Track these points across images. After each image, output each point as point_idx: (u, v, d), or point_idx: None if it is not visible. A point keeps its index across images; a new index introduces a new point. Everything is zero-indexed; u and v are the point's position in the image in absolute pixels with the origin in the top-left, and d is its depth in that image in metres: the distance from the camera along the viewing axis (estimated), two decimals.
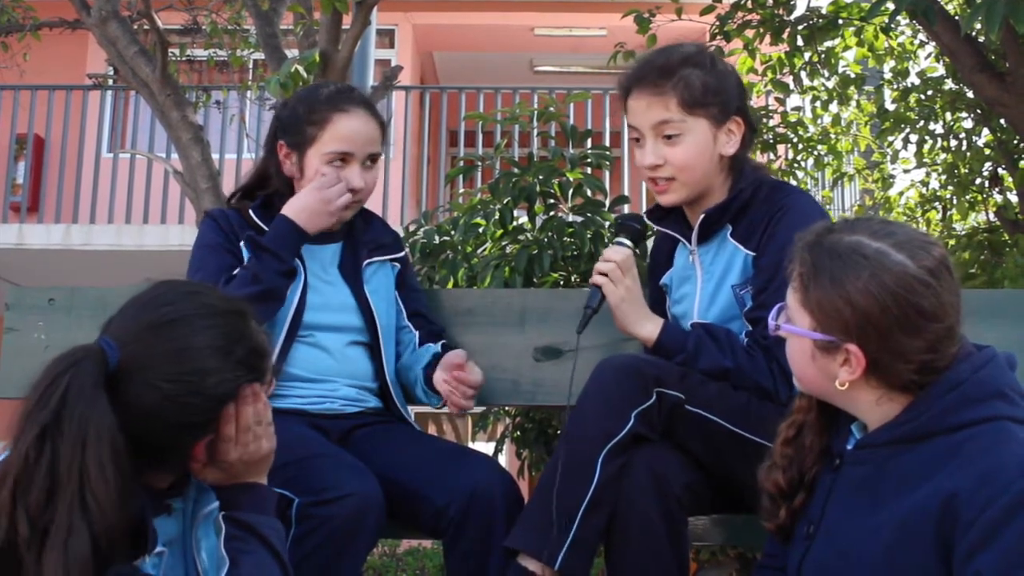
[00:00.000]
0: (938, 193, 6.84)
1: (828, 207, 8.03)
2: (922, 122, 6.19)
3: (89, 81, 8.59)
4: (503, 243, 3.53)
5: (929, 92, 6.11)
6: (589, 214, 3.41)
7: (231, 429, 1.46)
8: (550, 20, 10.34)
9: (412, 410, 2.18)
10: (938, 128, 6.24)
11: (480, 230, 3.67)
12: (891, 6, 3.75)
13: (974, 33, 4.48)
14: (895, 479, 1.37)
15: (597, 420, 1.76)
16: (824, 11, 5.31)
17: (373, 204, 2.22)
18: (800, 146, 6.31)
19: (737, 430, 1.81)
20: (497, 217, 3.50)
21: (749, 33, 5.35)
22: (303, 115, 2.09)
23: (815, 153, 6.49)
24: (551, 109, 3.79)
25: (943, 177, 6.64)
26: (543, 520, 1.74)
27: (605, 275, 1.95)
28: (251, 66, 7.70)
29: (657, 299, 2.13)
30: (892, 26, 5.67)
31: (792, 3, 5.26)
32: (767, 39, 5.28)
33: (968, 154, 6.13)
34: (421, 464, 1.91)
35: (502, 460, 4.86)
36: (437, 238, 3.72)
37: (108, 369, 1.36)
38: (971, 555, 1.24)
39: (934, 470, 1.33)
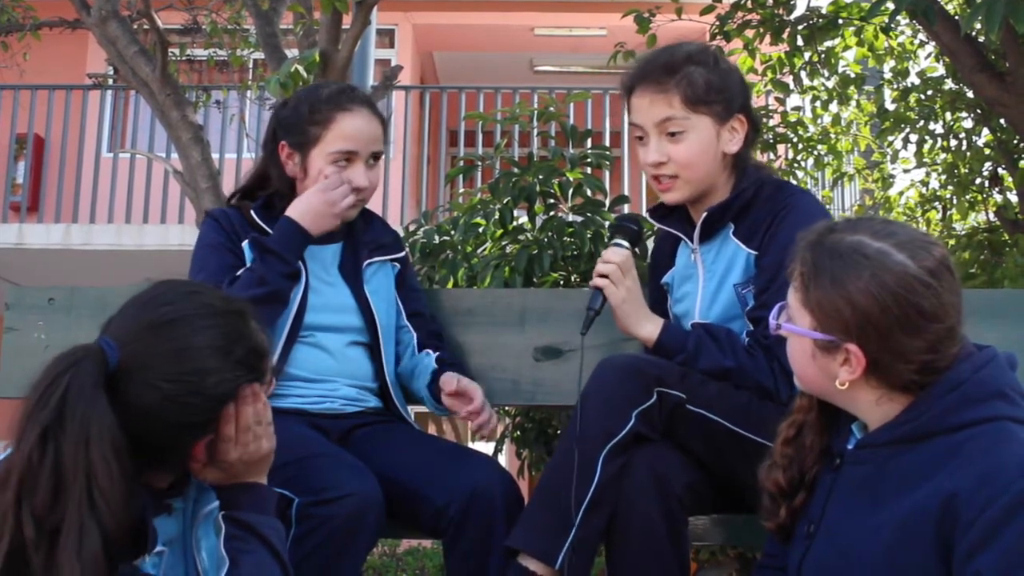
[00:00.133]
0: (938, 193, 6.84)
1: (828, 207, 8.02)
2: (922, 122, 6.19)
3: (89, 81, 8.59)
4: (503, 243, 3.53)
5: (929, 92, 6.11)
6: (589, 214, 3.41)
7: (231, 429, 1.46)
8: (550, 20, 10.34)
9: (412, 410, 2.18)
10: (938, 128, 6.24)
11: (480, 230, 3.67)
12: (891, 6, 3.75)
13: (974, 33, 4.48)
14: (895, 479, 1.37)
15: (598, 419, 1.76)
16: (824, 11, 5.31)
17: (373, 204, 2.22)
18: (800, 146, 6.31)
19: (738, 430, 1.81)
20: (497, 217, 3.50)
21: (749, 33, 5.34)
22: (306, 115, 2.08)
23: (815, 153, 6.49)
24: (551, 109, 3.79)
25: (943, 177, 6.64)
26: (544, 520, 1.74)
27: (605, 277, 1.95)
28: (251, 66, 7.70)
29: (658, 299, 2.13)
30: (892, 26, 5.66)
31: (792, 3, 5.26)
32: (767, 39, 5.28)
33: (968, 154, 6.13)
34: (421, 464, 1.91)
35: (502, 460, 4.86)
36: (437, 238, 3.72)
37: (108, 369, 1.36)
38: (971, 555, 1.24)
39: (934, 470, 1.33)
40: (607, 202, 3.47)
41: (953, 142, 6.23)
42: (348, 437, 2.02)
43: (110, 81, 8.83)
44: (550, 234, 3.38)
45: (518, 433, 4.46)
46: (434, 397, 2.09)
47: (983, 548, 1.23)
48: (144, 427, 1.37)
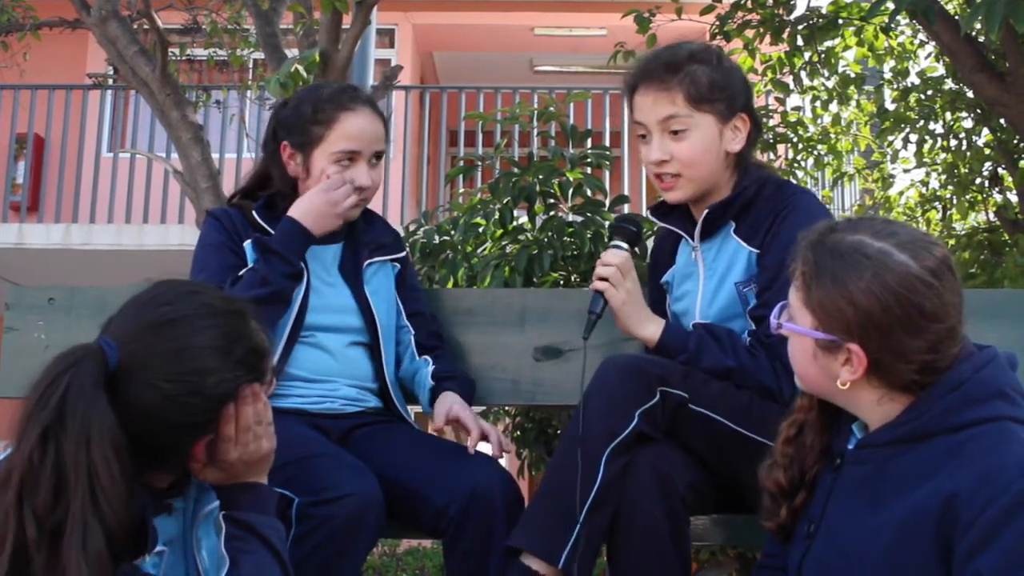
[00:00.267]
0: (938, 193, 6.84)
1: (828, 207, 8.01)
2: (922, 122, 6.19)
3: (89, 81, 8.59)
4: (503, 243, 3.53)
5: (929, 92, 6.10)
6: (589, 214, 3.41)
7: (231, 429, 1.46)
8: (550, 20, 10.34)
9: (412, 410, 2.18)
10: (938, 128, 6.24)
11: (480, 230, 3.67)
12: (891, 6, 3.75)
13: (974, 33, 4.48)
14: (896, 479, 1.37)
15: (601, 419, 1.75)
16: (824, 11, 5.31)
17: (373, 204, 2.22)
18: (800, 146, 6.30)
19: (740, 429, 1.81)
20: (497, 217, 3.50)
21: (749, 33, 5.34)
22: (308, 115, 2.08)
23: (815, 153, 6.49)
24: (551, 109, 3.79)
25: (943, 177, 6.64)
26: (546, 519, 1.74)
27: (605, 280, 1.95)
28: (251, 66, 7.70)
29: (657, 298, 2.13)
30: (892, 26, 5.66)
31: (792, 3, 5.26)
32: (767, 39, 5.28)
33: (968, 154, 6.13)
34: (421, 464, 1.91)
35: (502, 460, 4.84)
36: (437, 238, 3.72)
37: (108, 369, 1.36)
38: (971, 555, 1.24)
39: (934, 470, 1.33)
40: (607, 202, 3.47)
41: (953, 142, 6.23)
42: (348, 437, 2.02)
43: (110, 81, 8.83)
44: (550, 234, 3.38)
45: (518, 433, 4.46)
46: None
47: (983, 548, 1.23)
48: (144, 427, 1.37)
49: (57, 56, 8.66)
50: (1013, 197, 6.02)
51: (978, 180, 6.25)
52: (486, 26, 10.38)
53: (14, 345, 2.31)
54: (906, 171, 7.11)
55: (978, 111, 5.77)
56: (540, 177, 3.39)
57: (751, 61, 5.52)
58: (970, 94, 5.46)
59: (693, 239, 2.02)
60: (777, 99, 5.98)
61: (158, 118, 5.46)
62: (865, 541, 1.37)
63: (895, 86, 6.41)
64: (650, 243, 2.27)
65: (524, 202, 3.44)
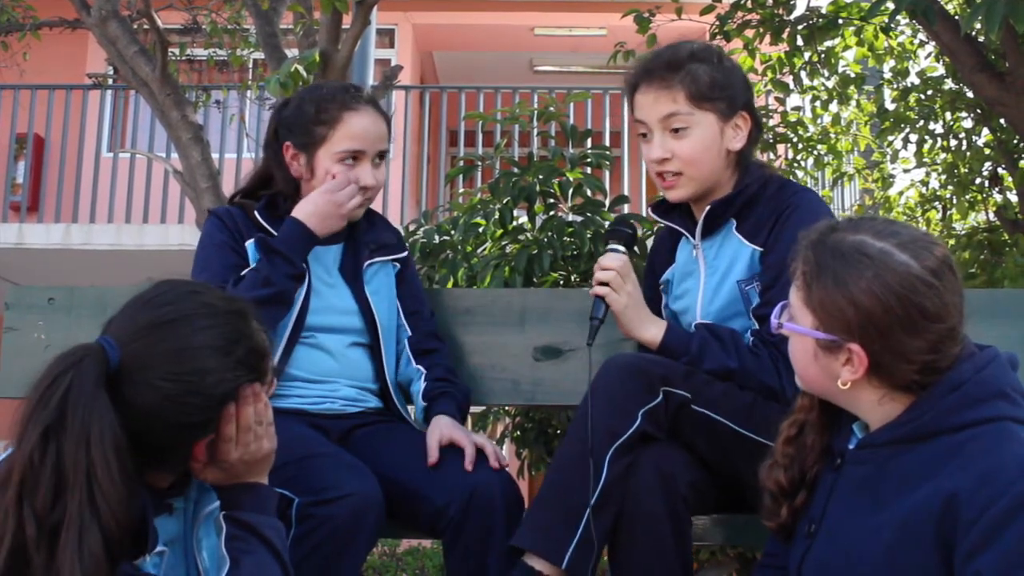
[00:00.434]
0: (938, 193, 6.84)
1: (828, 207, 8.01)
2: (922, 122, 6.18)
3: (89, 81, 8.59)
4: (503, 243, 3.53)
5: (929, 92, 6.10)
6: (589, 214, 3.40)
7: (231, 429, 1.46)
8: (550, 20, 10.34)
9: (413, 409, 2.18)
10: (938, 128, 6.24)
11: (480, 230, 3.66)
12: (891, 6, 3.74)
13: (974, 33, 4.48)
14: (896, 479, 1.37)
15: (603, 419, 1.75)
16: (824, 11, 5.30)
17: (373, 204, 2.22)
18: (800, 146, 6.30)
19: (741, 430, 1.81)
20: (497, 217, 3.50)
21: (749, 33, 5.34)
22: (311, 115, 2.08)
23: (815, 153, 6.48)
24: (551, 109, 3.79)
25: (943, 177, 6.63)
26: (549, 519, 1.74)
27: (605, 284, 1.95)
28: (251, 66, 7.70)
29: (653, 298, 2.12)
30: (892, 26, 5.66)
31: (792, 3, 5.25)
32: (767, 39, 5.28)
33: (968, 154, 6.12)
34: (421, 464, 1.91)
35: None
36: (437, 238, 3.72)
37: (109, 368, 1.37)
38: (971, 555, 1.24)
39: (935, 470, 1.33)
40: (607, 202, 3.47)
41: (953, 142, 6.23)
42: (348, 437, 2.02)
43: (110, 81, 8.83)
44: (550, 234, 3.37)
45: (518, 433, 4.46)
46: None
47: (983, 548, 1.24)
48: (144, 427, 1.37)
49: (57, 56, 8.66)
50: (1013, 197, 6.02)
51: (978, 180, 6.24)
52: (486, 26, 10.38)
53: (14, 345, 2.31)
54: (906, 171, 7.11)
55: (978, 111, 5.77)
56: (540, 177, 3.38)
57: (751, 61, 5.52)
58: (970, 94, 5.45)
59: (694, 237, 2.02)
60: (777, 99, 5.98)
61: (158, 118, 5.46)
62: (865, 541, 1.37)
63: (895, 86, 6.41)
64: (650, 243, 2.27)
65: (524, 202, 3.44)
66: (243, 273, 1.99)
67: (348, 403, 2.06)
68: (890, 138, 6.42)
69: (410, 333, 2.17)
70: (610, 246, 2.00)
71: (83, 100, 8.40)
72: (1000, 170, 6.11)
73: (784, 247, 1.82)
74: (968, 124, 6.17)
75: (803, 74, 5.83)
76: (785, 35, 5.18)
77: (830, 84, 6.08)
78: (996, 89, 4.30)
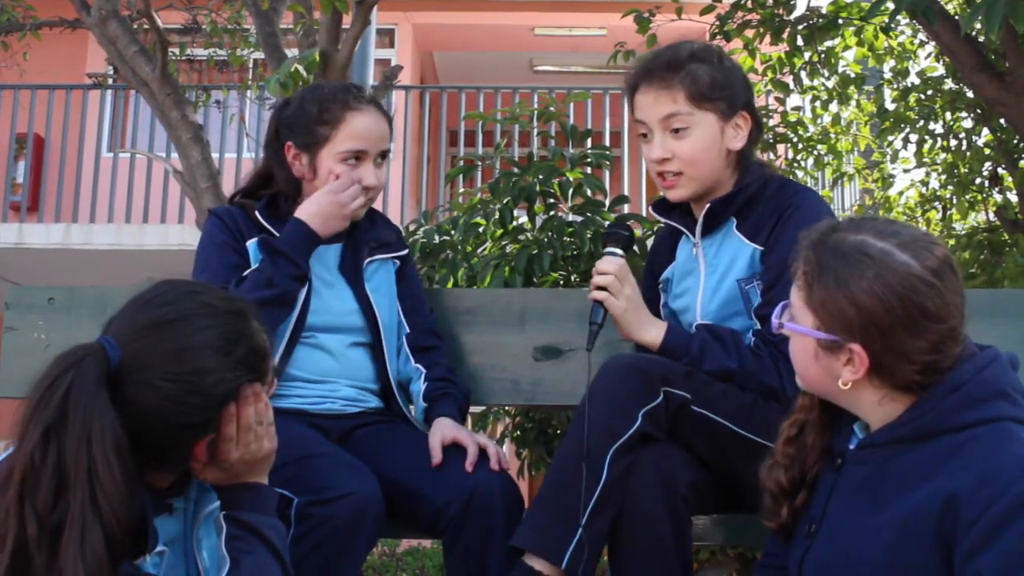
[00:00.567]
0: (938, 193, 6.84)
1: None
2: (922, 122, 6.18)
3: (89, 80, 8.58)
4: (503, 243, 3.53)
5: (929, 92, 6.10)
6: (589, 214, 3.40)
7: (232, 429, 1.46)
8: (550, 20, 10.34)
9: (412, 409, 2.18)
10: (938, 128, 6.23)
11: (480, 230, 3.66)
12: (891, 6, 3.74)
13: (974, 33, 4.48)
14: (896, 479, 1.37)
15: (603, 419, 1.75)
16: (824, 11, 5.30)
17: (373, 203, 2.22)
18: (800, 146, 6.30)
19: (741, 431, 1.81)
20: (497, 217, 3.49)
21: (749, 33, 5.34)
22: (314, 115, 2.08)
23: (815, 153, 6.48)
24: (551, 109, 3.78)
25: (943, 177, 6.63)
26: (549, 519, 1.74)
27: (604, 289, 1.95)
28: (251, 65, 7.70)
29: (652, 298, 2.12)
30: (892, 26, 5.65)
31: (792, 3, 5.25)
32: (767, 39, 5.28)
33: (968, 154, 6.12)
34: (421, 464, 1.91)
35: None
36: (437, 238, 3.71)
37: (109, 368, 1.37)
38: (971, 555, 1.24)
39: (935, 470, 1.33)
40: (607, 202, 3.47)
41: (953, 142, 6.23)
42: (348, 437, 2.02)
43: (110, 81, 8.83)
44: (550, 234, 3.37)
45: (518, 433, 4.46)
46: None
47: (984, 548, 1.24)
48: (145, 426, 1.37)
49: (57, 56, 8.66)
50: (1013, 197, 6.02)
51: (978, 180, 6.24)
52: (486, 26, 10.38)
53: (14, 345, 2.31)
54: (906, 171, 7.11)
55: (978, 111, 5.76)
56: (540, 177, 3.38)
57: (751, 61, 5.52)
58: (970, 94, 5.45)
59: (694, 236, 2.02)
60: (777, 99, 5.98)
61: (158, 118, 5.46)
62: (866, 541, 1.37)
63: (895, 86, 6.40)
64: (650, 242, 2.27)
65: (524, 202, 3.44)
66: (245, 274, 1.98)
67: (348, 403, 2.06)
68: (890, 138, 6.42)
69: (408, 330, 2.17)
70: (607, 250, 2.00)
71: (83, 100, 8.40)
72: (1000, 170, 6.11)
73: (785, 247, 1.82)
74: (968, 124, 6.17)
75: (803, 74, 5.83)
76: (785, 35, 5.18)
77: (830, 84, 6.08)
78: (996, 89, 4.30)
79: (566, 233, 3.39)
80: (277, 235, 2.05)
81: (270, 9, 5.20)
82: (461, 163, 5.21)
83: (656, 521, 1.73)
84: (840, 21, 5.30)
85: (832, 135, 6.50)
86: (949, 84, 6.00)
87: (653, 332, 1.94)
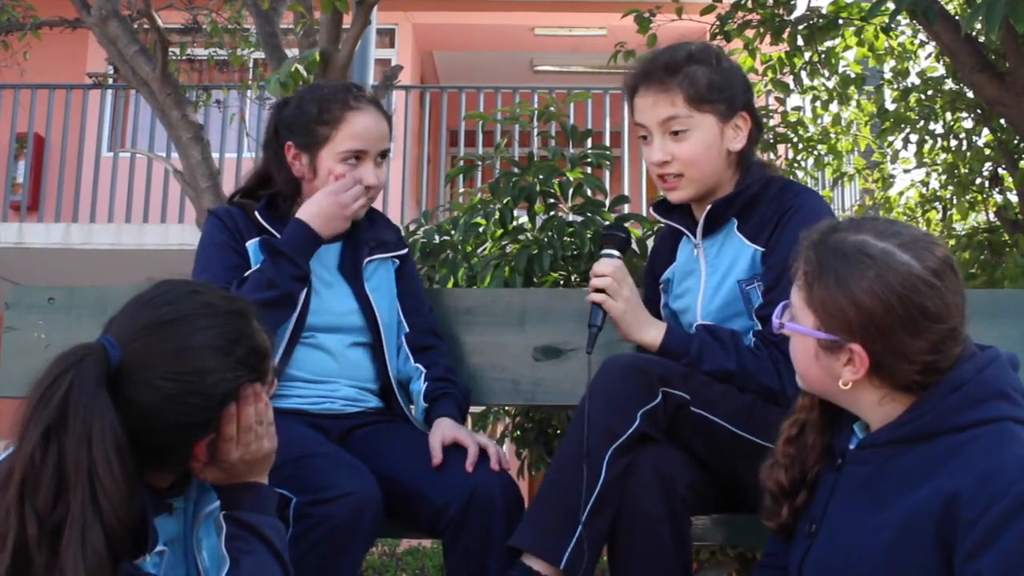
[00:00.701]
0: (938, 193, 6.83)
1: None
2: (922, 122, 6.18)
3: (89, 80, 8.59)
4: (503, 243, 3.53)
5: (929, 92, 6.10)
6: (589, 214, 3.40)
7: (232, 429, 1.46)
8: (550, 20, 10.34)
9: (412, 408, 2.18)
10: (938, 128, 6.23)
11: (480, 230, 3.66)
12: (891, 6, 3.74)
13: (974, 33, 4.47)
14: (896, 479, 1.37)
15: (602, 419, 1.75)
16: (824, 11, 5.30)
17: (373, 203, 2.22)
18: (800, 146, 6.30)
19: (740, 432, 1.80)
20: (497, 217, 3.50)
21: (749, 33, 5.34)
22: (314, 115, 2.08)
23: (815, 153, 6.48)
24: (551, 109, 3.79)
25: (943, 177, 6.63)
26: (548, 519, 1.74)
27: (602, 291, 1.95)
28: (251, 65, 7.70)
29: (653, 298, 2.12)
30: (892, 26, 5.65)
31: (792, 3, 5.25)
32: (767, 39, 5.28)
33: (968, 154, 6.12)
34: (421, 463, 1.91)
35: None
36: (437, 238, 3.71)
37: (110, 368, 1.37)
38: (972, 556, 1.24)
39: (935, 470, 1.33)
40: (607, 202, 3.47)
41: (953, 142, 6.23)
42: (348, 437, 2.02)
43: (110, 80, 8.83)
44: (550, 234, 3.37)
45: (518, 433, 4.46)
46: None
47: (984, 549, 1.24)
48: (145, 426, 1.37)
49: (57, 56, 8.66)
50: (1013, 197, 6.02)
51: (978, 180, 6.24)
52: (486, 26, 10.38)
53: (14, 345, 2.31)
54: (906, 171, 7.11)
55: (978, 111, 5.76)
56: (540, 177, 3.38)
57: (751, 61, 5.52)
58: (970, 94, 5.45)
59: (695, 236, 2.02)
60: (777, 99, 5.98)
61: (158, 118, 5.46)
62: (866, 541, 1.37)
63: (895, 86, 6.41)
64: (650, 242, 2.27)
65: (524, 202, 3.44)
66: (246, 275, 1.98)
67: (348, 403, 2.06)
68: (890, 138, 6.42)
69: (408, 330, 2.17)
70: (604, 251, 2.00)
71: (83, 100, 8.40)
72: (1000, 170, 6.11)
73: (786, 248, 1.81)
74: (968, 124, 6.17)
75: (803, 74, 5.83)
76: (785, 35, 5.19)
77: (830, 84, 6.08)
78: (996, 89, 4.30)
79: (566, 233, 3.39)
80: (277, 235, 2.05)
81: (270, 9, 5.20)
82: (461, 163, 5.21)
83: (655, 521, 1.73)
84: (840, 21, 5.31)
85: (832, 135, 6.50)
86: (949, 84, 6.00)
87: (652, 333, 1.94)
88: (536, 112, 3.87)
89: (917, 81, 6.22)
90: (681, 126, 1.94)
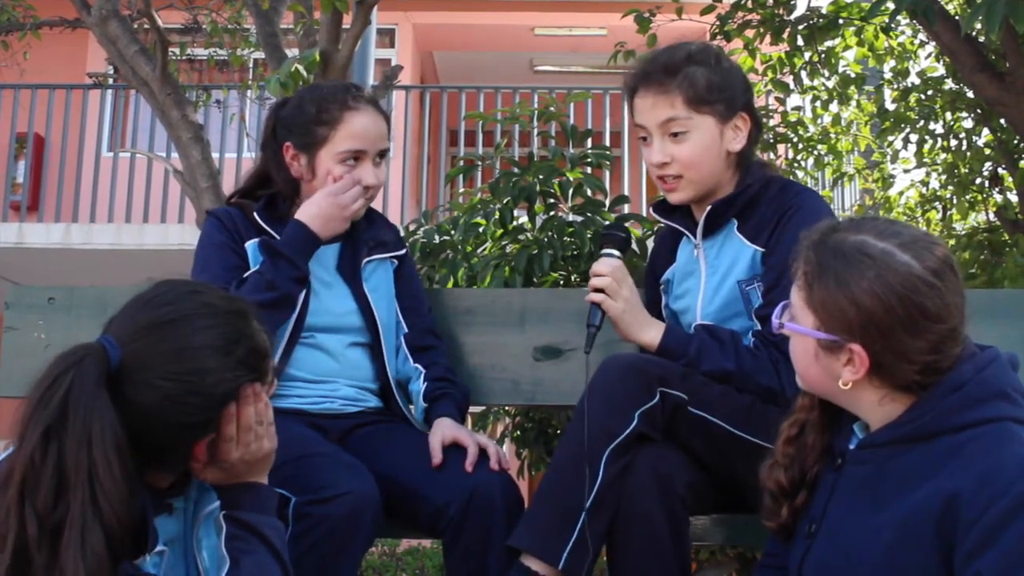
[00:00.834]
0: (938, 193, 6.84)
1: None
2: (922, 122, 6.18)
3: (89, 80, 8.59)
4: (503, 243, 3.53)
5: (929, 92, 6.10)
6: (589, 214, 3.40)
7: (232, 429, 1.46)
8: (550, 20, 10.34)
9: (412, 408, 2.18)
10: (938, 128, 6.24)
11: (480, 230, 3.66)
12: (891, 6, 3.74)
13: (974, 33, 4.48)
14: (896, 479, 1.37)
15: (600, 419, 1.75)
16: (824, 11, 5.30)
17: (373, 203, 2.22)
18: (800, 146, 6.30)
19: (738, 432, 1.80)
20: (497, 217, 3.49)
21: (749, 33, 5.34)
22: (312, 115, 2.08)
23: (815, 153, 6.48)
24: (551, 109, 3.79)
25: (943, 177, 6.64)
26: (546, 520, 1.74)
27: (601, 291, 1.95)
28: (251, 65, 7.70)
29: (654, 299, 2.12)
30: (892, 26, 5.66)
31: (792, 3, 5.26)
32: (767, 39, 5.28)
33: (968, 154, 6.12)
34: (421, 463, 1.91)
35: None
36: (437, 238, 3.71)
37: (110, 368, 1.37)
38: (972, 555, 1.24)
39: (935, 470, 1.33)
40: (607, 202, 3.47)
41: (953, 142, 6.23)
42: (348, 437, 2.02)
43: (110, 80, 8.83)
44: (550, 234, 3.37)
45: (518, 433, 4.46)
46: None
47: (984, 549, 1.24)
48: (145, 426, 1.37)
49: (57, 56, 8.66)
50: (1013, 197, 6.02)
51: (978, 180, 6.24)
52: (486, 26, 10.38)
53: (14, 345, 2.31)
54: (906, 171, 7.11)
55: (978, 111, 5.77)
56: (540, 177, 3.38)
57: (751, 61, 5.52)
58: (970, 94, 5.45)
59: (695, 237, 2.02)
60: (777, 99, 5.98)
61: (158, 118, 5.46)
62: (866, 541, 1.37)
63: (895, 86, 6.41)
64: (650, 243, 2.27)
65: (524, 202, 3.44)
66: (246, 276, 1.98)
67: (348, 403, 2.06)
68: (890, 138, 6.42)
69: (407, 330, 2.17)
70: (604, 251, 2.00)
71: (83, 100, 8.40)
72: (1000, 170, 6.12)
73: (786, 248, 1.81)
74: (968, 124, 6.17)
75: (803, 74, 5.83)
76: (785, 35, 5.19)
77: (830, 84, 6.08)
78: (996, 89, 4.30)
79: (566, 233, 3.39)
80: (276, 236, 2.05)
81: (270, 9, 5.20)
82: (461, 163, 5.21)
83: (653, 521, 1.73)
84: (840, 21, 5.31)
85: (832, 135, 6.50)
86: (949, 84, 6.00)
87: (652, 333, 1.94)
88: (536, 112, 3.87)
89: (917, 81, 6.23)
90: (680, 128, 1.94)
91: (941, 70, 6.14)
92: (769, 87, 5.83)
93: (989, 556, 1.23)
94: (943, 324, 1.37)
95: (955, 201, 6.39)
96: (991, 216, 6.30)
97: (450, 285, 3.42)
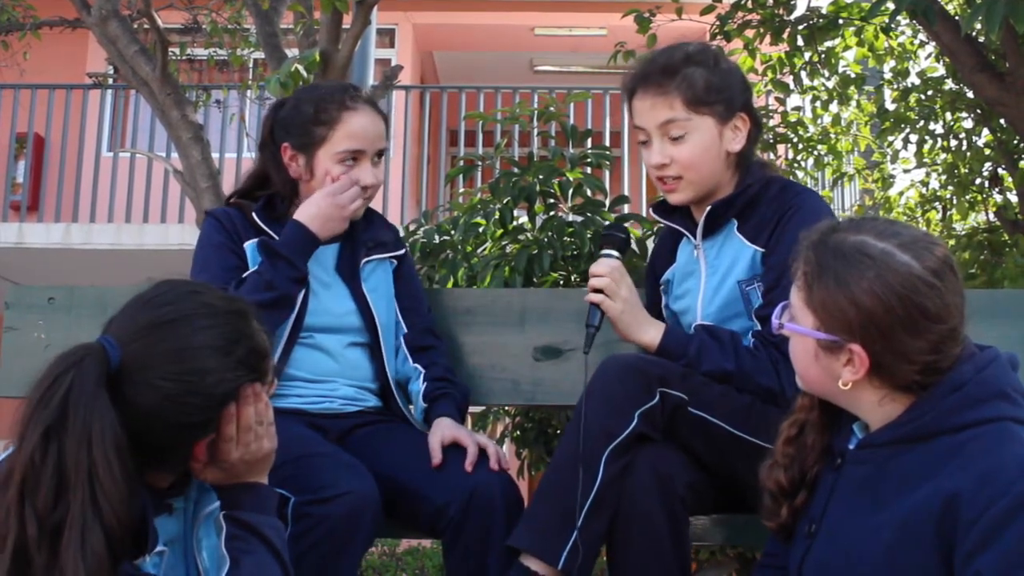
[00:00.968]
0: (938, 193, 6.84)
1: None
2: (922, 122, 6.18)
3: (89, 80, 8.59)
4: (503, 243, 3.53)
5: (929, 92, 6.10)
6: (589, 214, 3.40)
7: (232, 429, 1.46)
8: (550, 20, 10.34)
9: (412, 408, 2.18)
10: (938, 128, 6.23)
11: (480, 230, 3.66)
12: (891, 6, 3.75)
13: (974, 33, 4.48)
14: (896, 479, 1.37)
15: (600, 419, 1.75)
16: (824, 11, 5.31)
17: (373, 204, 2.22)
18: (800, 146, 6.30)
19: (738, 433, 1.80)
20: (497, 217, 3.49)
21: (749, 33, 5.34)
22: (310, 116, 2.08)
23: (815, 153, 6.48)
24: (551, 109, 3.78)
25: (943, 177, 6.63)
26: (546, 520, 1.74)
27: (600, 291, 1.95)
28: (251, 65, 7.70)
29: (655, 299, 2.12)
30: (892, 26, 5.66)
31: (792, 3, 5.26)
32: (767, 39, 5.28)
33: (968, 154, 6.12)
34: (421, 463, 1.91)
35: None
36: (437, 238, 3.71)
37: (110, 368, 1.37)
38: (971, 555, 1.24)
39: (935, 470, 1.33)
40: (607, 202, 3.47)
41: (953, 142, 6.23)
42: (348, 437, 2.02)
43: (110, 80, 8.83)
44: (550, 234, 3.37)
45: (518, 433, 4.46)
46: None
47: (984, 549, 1.24)
48: (145, 426, 1.37)
49: (57, 56, 8.66)
50: (1013, 197, 6.02)
51: (978, 180, 6.24)
52: (486, 26, 10.38)
53: (14, 345, 2.31)
54: (906, 171, 7.11)
55: (978, 111, 5.76)
56: (540, 177, 3.38)
57: (751, 61, 5.52)
58: (970, 94, 5.45)
59: (695, 237, 2.02)
60: (777, 99, 5.98)
61: (158, 118, 5.46)
62: (866, 541, 1.37)
63: (895, 86, 6.41)
64: (650, 243, 2.27)
65: (524, 202, 3.44)
66: (244, 276, 1.98)
67: (347, 403, 2.06)
68: (890, 138, 6.42)
69: (406, 330, 2.17)
70: (603, 252, 2.00)
71: (83, 100, 8.40)
72: (1000, 170, 6.12)
73: (786, 248, 1.81)
74: (968, 124, 6.17)
75: (803, 74, 5.83)
76: (785, 35, 5.19)
77: (830, 84, 6.08)
78: (996, 89, 4.30)
79: (566, 233, 3.39)
80: (274, 236, 2.05)
81: (270, 9, 5.20)
82: (461, 163, 5.21)
83: (652, 521, 1.73)
84: (840, 21, 5.31)
85: (832, 135, 6.50)
86: (949, 84, 6.00)
87: (651, 333, 1.94)
88: (536, 112, 3.87)
89: (917, 81, 6.23)
90: (679, 129, 1.93)
91: (941, 70, 6.14)
92: (769, 87, 5.83)
93: (989, 556, 1.23)
94: (943, 324, 1.37)
95: (955, 201, 6.38)
96: (991, 216, 6.29)
97: (450, 285, 3.42)
